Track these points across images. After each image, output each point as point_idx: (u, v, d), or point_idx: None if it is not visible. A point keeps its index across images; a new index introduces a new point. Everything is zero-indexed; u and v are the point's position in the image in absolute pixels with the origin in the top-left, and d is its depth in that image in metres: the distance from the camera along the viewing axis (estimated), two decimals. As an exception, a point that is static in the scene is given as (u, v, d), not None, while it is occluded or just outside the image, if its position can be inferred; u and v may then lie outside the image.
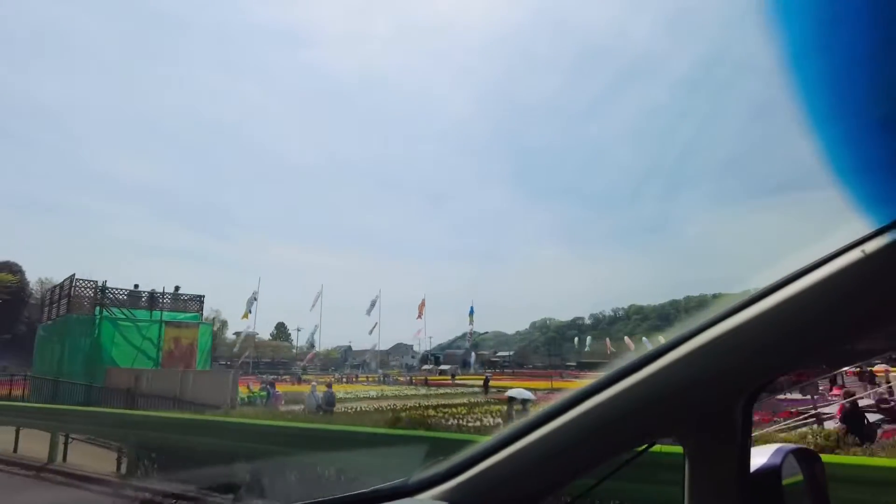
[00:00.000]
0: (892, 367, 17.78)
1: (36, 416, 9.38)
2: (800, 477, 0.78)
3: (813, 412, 12.42)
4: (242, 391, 17.67)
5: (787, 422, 11.50)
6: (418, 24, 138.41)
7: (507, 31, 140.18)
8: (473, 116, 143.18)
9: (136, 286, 20.27)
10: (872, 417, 10.82)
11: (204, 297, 20.97)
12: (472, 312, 55.71)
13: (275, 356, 64.04)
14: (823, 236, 0.66)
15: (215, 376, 14.56)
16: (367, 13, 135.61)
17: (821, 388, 20.70)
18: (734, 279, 0.81)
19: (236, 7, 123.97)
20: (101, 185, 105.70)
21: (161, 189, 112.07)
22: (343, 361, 76.11)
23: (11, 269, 53.62)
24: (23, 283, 55.41)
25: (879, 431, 9.48)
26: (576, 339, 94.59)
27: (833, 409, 12.14)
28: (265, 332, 71.66)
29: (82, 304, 18.71)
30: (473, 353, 68.89)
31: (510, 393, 11.22)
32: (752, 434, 0.75)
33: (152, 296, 20.11)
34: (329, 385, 17.71)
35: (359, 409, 17.31)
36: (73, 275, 18.47)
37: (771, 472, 0.72)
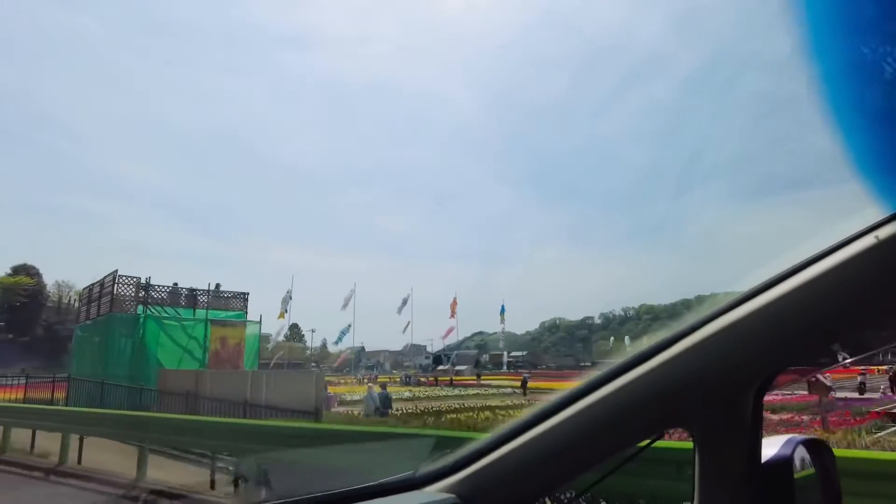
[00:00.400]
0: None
1: (92, 423, 8.55)
2: (811, 468, 0.76)
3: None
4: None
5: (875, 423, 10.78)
6: (426, 27, 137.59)
7: (516, 32, 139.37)
8: (484, 118, 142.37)
9: (176, 284, 19.53)
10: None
11: (248, 294, 19.88)
12: (503, 311, 54.88)
13: (290, 357, 63.73)
14: (835, 229, 0.64)
15: (296, 378, 13.42)
16: (373, 16, 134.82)
17: (882, 386, 19.96)
18: (746, 278, 0.74)
19: (243, 11, 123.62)
20: (107, 188, 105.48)
21: (169, 192, 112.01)
22: (357, 362, 75.70)
23: (28, 272, 53.33)
24: (40, 286, 55.04)
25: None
26: (593, 338, 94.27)
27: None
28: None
29: (123, 302, 17.96)
30: (486, 354, 68.22)
31: None
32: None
33: (192, 293, 19.31)
34: (384, 386, 16.90)
35: (414, 410, 16.53)
36: (116, 271, 17.59)
37: (782, 463, 0.71)
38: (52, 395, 16.53)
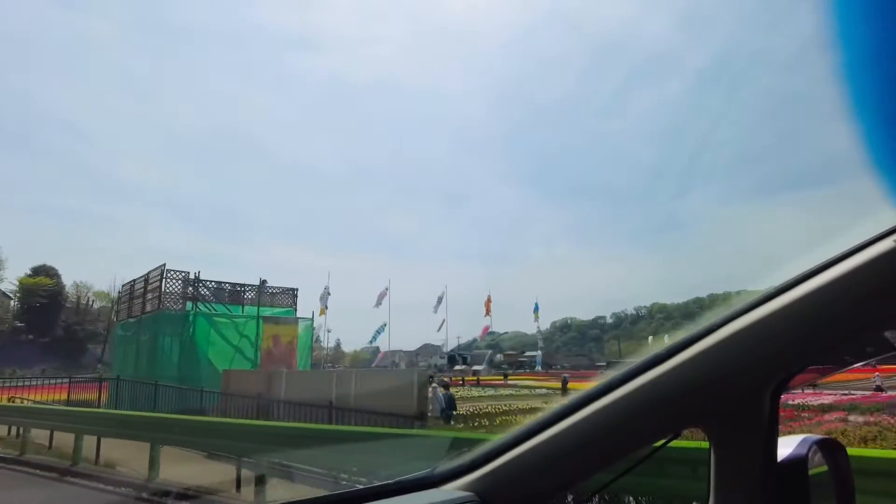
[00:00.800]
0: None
1: (159, 430, 7.48)
2: (825, 468, 0.76)
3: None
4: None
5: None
6: (430, 26, 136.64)
7: (521, 30, 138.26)
8: (489, 117, 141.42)
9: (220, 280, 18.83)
10: None
11: (297, 290, 18.90)
12: (536, 309, 53.75)
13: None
14: (851, 231, 0.64)
15: (391, 377, 12.48)
16: (378, 17, 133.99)
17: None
18: (759, 275, 0.76)
19: (250, 13, 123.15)
20: (114, 191, 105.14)
21: (176, 194, 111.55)
22: (372, 362, 75.18)
23: (48, 272, 52.98)
24: (59, 287, 54.67)
25: None
26: (605, 337, 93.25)
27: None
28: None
29: (168, 299, 17.26)
30: (500, 354, 67.37)
31: None
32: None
33: (238, 289, 18.55)
34: (447, 386, 16.07)
35: (476, 411, 15.70)
36: (164, 265, 16.81)
37: (797, 463, 0.71)
38: (100, 396, 15.86)
